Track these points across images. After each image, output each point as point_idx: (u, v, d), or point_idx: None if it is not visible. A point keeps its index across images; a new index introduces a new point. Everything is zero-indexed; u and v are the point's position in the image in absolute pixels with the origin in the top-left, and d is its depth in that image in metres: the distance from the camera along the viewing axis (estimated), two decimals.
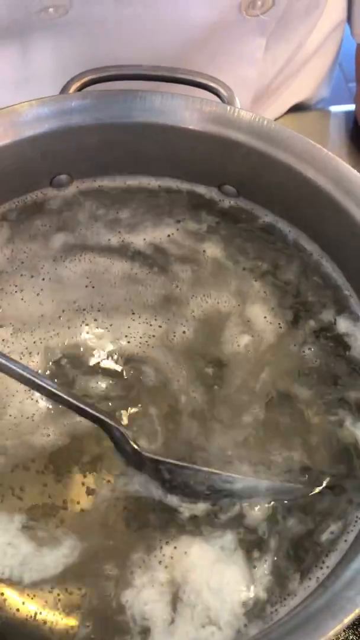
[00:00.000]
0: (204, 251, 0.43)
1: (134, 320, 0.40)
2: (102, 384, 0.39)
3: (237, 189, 0.44)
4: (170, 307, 0.41)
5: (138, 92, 0.41)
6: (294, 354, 0.40)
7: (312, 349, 0.40)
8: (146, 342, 0.40)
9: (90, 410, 0.34)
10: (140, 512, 0.35)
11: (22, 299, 0.41)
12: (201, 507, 0.35)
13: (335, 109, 0.63)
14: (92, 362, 0.39)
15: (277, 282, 0.42)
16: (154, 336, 0.40)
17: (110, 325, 0.40)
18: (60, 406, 0.35)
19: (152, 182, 0.45)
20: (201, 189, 0.44)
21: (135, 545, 0.35)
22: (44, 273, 0.42)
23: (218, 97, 0.42)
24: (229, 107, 0.41)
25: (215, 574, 0.34)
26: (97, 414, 0.34)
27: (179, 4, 0.44)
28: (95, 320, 0.40)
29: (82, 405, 0.34)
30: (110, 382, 0.39)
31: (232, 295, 0.41)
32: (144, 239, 0.43)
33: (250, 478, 0.35)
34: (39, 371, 0.38)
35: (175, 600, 0.33)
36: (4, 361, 0.32)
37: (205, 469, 0.34)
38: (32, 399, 0.38)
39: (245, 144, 0.40)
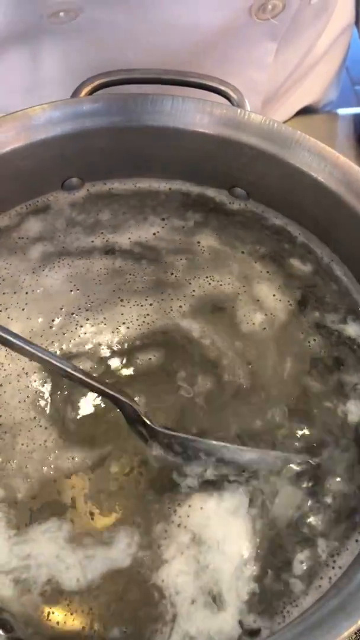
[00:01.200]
0: (198, 242, 0.44)
1: (124, 306, 0.41)
2: (115, 373, 0.39)
3: (247, 191, 0.44)
4: (165, 289, 0.42)
5: (149, 96, 0.41)
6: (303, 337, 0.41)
7: (316, 340, 0.40)
8: (144, 322, 0.40)
9: (104, 388, 0.35)
10: (154, 482, 0.36)
11: (8, 317, 0.40)
12: (210, 473, 0.36)
13: (342, 111, 0.63)
14: (99, 358, 0.39)
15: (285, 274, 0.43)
16: (148, 315, 0.41)
17: (104, 318, 0.40)
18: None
19: (162, 185, 0.45)
20: (211, 192, 0.45)
21: (154, 517, 0.35)
22: (26, 286, 0.41)
23: (228, 100, 0.43)
24: (239, 110, 0.41)
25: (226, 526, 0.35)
26: (111, 392, 0.35)
27: (189, 8, 0.45)
28: (87, 319, 0.40)
29: (96, 384, 0.34)
30: (121, 369, 0.39)
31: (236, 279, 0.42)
32: (146, 238, 0.44)
33: (257, 450, 0.36)
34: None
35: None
36: (24, 345, 0.32)
37: (215, 442, 0.36)
38: (40, 426, 0.37)
39: (256, 146, 0.40)
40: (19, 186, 0.43)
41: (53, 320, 0.40)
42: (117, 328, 0.40)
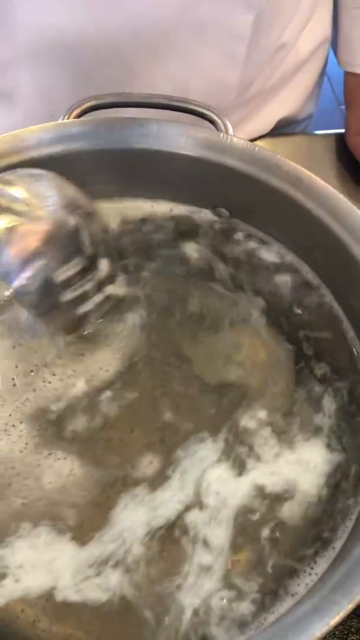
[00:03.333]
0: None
1: None
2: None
3: (230, 210, 0.46)
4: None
5: (136, 120, 0.43)
6: None
7: None
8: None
9: None
10: None
11: None
12: None
13: (321, 132, 0.65)
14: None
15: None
16: None
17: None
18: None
19: (147, 205, 0.47)
20: (195, 211, 0.46)
21: None
22: None
23: (212, 123, 0.45)
24: (221, 135, 0.43)
25: None
26: None
27: None
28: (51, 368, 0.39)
29: None
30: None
31: None
32: None
33: None
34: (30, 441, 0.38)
35: None
36: None
37: None
38: (61, 459, 0.37)
39: (238, 169, 0.42)
40: None
41: (13, 379, 0.39)
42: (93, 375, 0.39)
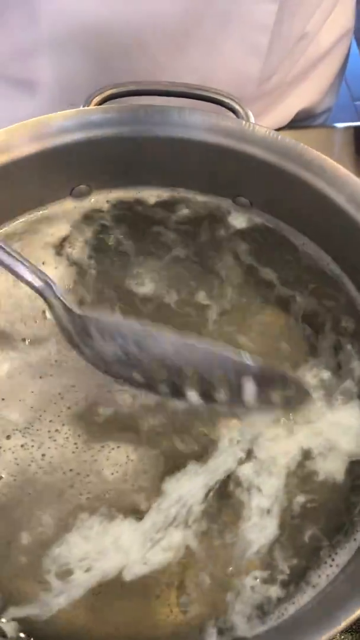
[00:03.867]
0: None
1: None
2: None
3: (251, 200, 0.45)
4: None
5: (157, 107, 0.43)
6: None
7: None
8: None
9: (31, 265, 0.35)
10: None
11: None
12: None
13: (340, 125, 0.65)
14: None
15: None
16: None
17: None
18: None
19: (167, 194, 0.47)
20: (216, 200, 0.46)
21: None
22: None
23: (233, 112, 0.44)
24: (244, 122, 0.43)
25: None
26: (38, 269, 0.35)
27: None
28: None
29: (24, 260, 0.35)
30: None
31: None
32: None
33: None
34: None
35: None
36: None
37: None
38: (114, 448, 0.37)
39: (259, 157, 0.42)
40: (29, 193, 0.44)
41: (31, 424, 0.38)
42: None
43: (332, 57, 0.61)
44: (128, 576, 0.34)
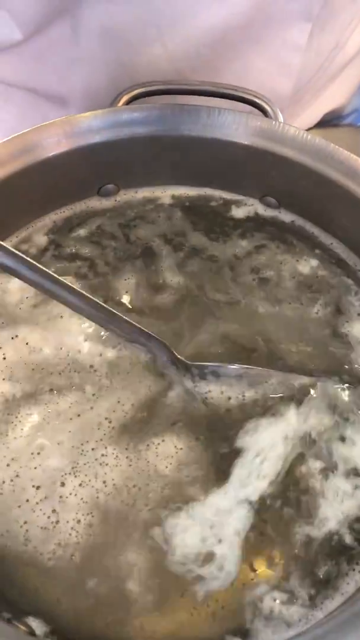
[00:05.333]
0: None
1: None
2: None
3: (279, 200, 0.45)
4: None
5: (185, 106, 0.43)
6: None
7: None
8: None
9: (139, 326, 0.36)
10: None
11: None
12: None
13: None
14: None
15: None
16: None
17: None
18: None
19: (194, 193, 0.46)
20: (243, 200, 0.46)
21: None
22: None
23: (262, 112, 0.44)
24: (273, 122, 0.42)
25: None
26: (146, 330, 0.37)
27: None
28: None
29: (132, 322, 0.36)
30: None
31: None
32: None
33: (279, 372, 0.38)
34: None
35: None
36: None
37: (240, 365, 0.38)
38: (160, 442, 0.37)
39: (289, 157, 0.42)
40: (58, 191, 0.44)
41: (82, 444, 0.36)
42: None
43: (358, 60, 0.61)
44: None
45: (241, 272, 0.43)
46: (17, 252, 0.31)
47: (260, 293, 0.42)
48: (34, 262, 0.32)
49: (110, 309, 0.36)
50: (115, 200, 0.46)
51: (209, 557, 0.33)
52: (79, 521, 0.34)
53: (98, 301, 0.35)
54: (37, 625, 0.32)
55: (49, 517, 0.34)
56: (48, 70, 0.53)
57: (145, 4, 0.47)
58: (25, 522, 0.34)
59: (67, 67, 0.52)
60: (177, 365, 0.38)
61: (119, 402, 0.38)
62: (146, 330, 0.37)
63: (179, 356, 0.38)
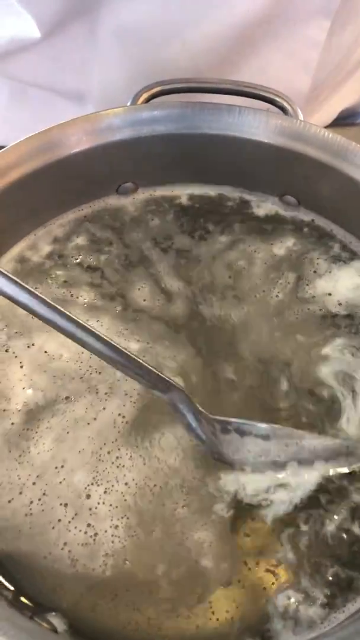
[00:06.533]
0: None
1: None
2: None
3: (298, 199, 0.45)
4: None
5: (206, 105, 0.43)
6: None
7: None
8: None
9: (158, 372, 0.33)
10: None
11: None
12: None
13: None
14: None
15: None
16: None
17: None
18: None
19: (213, 192, 0.46)
20: (263, 198, 0.46)
21: None
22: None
23: (282, 110, 0.44)
24: (294, 120, 0.42)
25: None
26: (165, 377, 0.34)
27: None
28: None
29: (150, 368, 0.33)
30: None
31: None
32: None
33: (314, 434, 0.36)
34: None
35: None
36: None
37: (264, 424, 0.35)
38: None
39: (310, 155, 0.41)
40: (78, 188, 0.44)
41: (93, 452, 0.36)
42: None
43: None
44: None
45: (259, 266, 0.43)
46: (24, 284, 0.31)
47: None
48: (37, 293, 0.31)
49: (126, 351, 0.33)
50: (134, 199, 0.46)
51: None
52: (116, 527, 0.34)
53: (115, 344, 0.32)
54: None
55: (85, 532, 0.33)
56: (66, 68, 0.53)
57: (163, 2, 0.47)
58: (65, 544, 0.33)
59: (85, 66, 0.52)
60: (199, 419, 0.35)
61: (126, 394, 0.37)
62: (165, 377, 0.34)
63: (201, 409, 0.35)
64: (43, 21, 0.48)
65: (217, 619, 0.32)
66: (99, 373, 0.38)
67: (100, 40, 0.50)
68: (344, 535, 0.34)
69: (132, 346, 0.39)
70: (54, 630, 0.31)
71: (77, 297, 0.41)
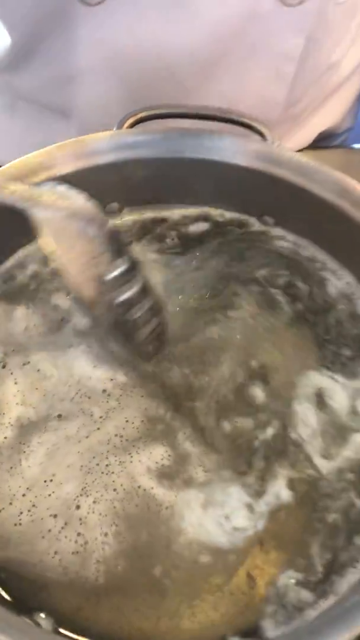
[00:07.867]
0: None
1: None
2: None
3: (276, 219, 0.47)
4: None
5: (189, 130, 0.45)
6: None
7: None
8: None
9: None
10: None
11: None
12: None
13: (358, 146, 0.67)
14: None
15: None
16: None
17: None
18: None
19: (196, 213, 0.48)
20: (243, 219, 0.48)
21: None
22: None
23: (260, 135, 0.46)
24: (271, 145, 0.45)
25: None
26: None
27: None
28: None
29: None
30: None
31: None
32: None
33: None
34: None
35: None
36: None
37: None
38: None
39: (286, 179, 0.44)
40: None
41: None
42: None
43: (353, 80, 0.64)
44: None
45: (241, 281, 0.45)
46: None
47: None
48: None
49: None
50: (119, 219, 0.48)
51: None
52: (106, 534, 0.35)
53: None
54: None
55: (76, 541, 0.34)
56: (48, 85, 0.55)
57: (139, 15, 0.49)
58: (56, 552, 0.34)
59: (66, 81, 0.54)
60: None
61: (127, 421, 0.38)
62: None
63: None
64: (13, 25, 0.50)
65: (211, 620, 0.33)
66: (89, 397, 0.39)
67: (78, 57, 0.51)
68: None
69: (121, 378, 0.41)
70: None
71: (67, 321, 0.43)
